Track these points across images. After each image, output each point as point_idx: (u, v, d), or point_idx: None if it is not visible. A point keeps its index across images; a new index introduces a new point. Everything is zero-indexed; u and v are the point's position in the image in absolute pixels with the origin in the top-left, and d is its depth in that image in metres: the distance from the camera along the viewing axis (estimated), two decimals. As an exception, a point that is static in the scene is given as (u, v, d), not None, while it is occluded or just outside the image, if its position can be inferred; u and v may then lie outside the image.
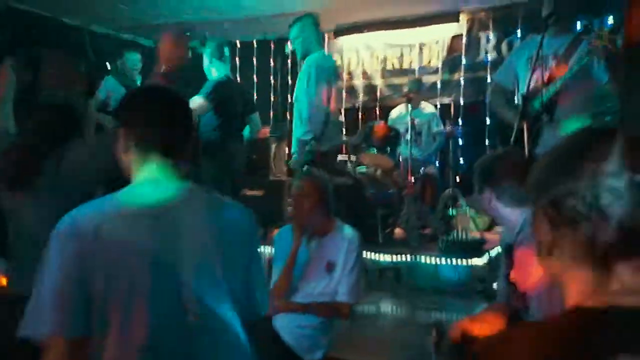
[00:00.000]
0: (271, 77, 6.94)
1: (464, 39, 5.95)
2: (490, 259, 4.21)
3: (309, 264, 2.51)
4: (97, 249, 1.18)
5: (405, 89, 5.61)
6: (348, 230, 2.56)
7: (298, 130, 3.95)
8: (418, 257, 4.30)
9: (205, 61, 4.23)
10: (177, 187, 1.32)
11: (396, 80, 6.33)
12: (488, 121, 5.76)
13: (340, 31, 6.52)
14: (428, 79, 6.11)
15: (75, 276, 1.17)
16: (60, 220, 1.22)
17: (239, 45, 6.94)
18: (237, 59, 6.85)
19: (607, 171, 0.73)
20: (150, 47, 6.98)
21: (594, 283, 0.76)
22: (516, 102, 3.19)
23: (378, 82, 6.45)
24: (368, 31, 6.33)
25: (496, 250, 4.15)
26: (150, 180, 1.31)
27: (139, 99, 1.40)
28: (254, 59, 6.97)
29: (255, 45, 6.98)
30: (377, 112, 6.41)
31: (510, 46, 5.73)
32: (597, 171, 0.74)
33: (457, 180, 5.53)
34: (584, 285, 0.77)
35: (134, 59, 4.85)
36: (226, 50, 4.23)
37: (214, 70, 4.18)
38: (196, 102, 3.97)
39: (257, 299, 1.39)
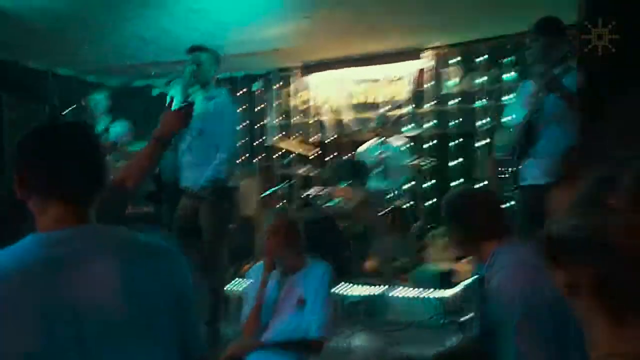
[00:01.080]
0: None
1: (429, 74, 6.11)
2: (462, 290, 4.23)
3: (280, 301, 2.50)
4: None
5: (373, 123, 5.68)
6: (319, 266, 2.56)
7: (206, 166, 3.69)
8: (390, 289, 4.30)
9: (175, 103, 4.19)
10: (85, 235, 1.16)
11: (364, 114, 6.43)
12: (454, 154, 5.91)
13: (307, 68, 6.64)
14: (395, 113, 6.23)
15: None
16: None
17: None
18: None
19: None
20: (116, 88, 6.97)
21: (609, 334, 0.67)
22: None
23: (346, 116, 6.55)
24: (335, 68, 6.45)
25: (467, 282, 4.18)
26: (51, 231, 1.15)
27: (33, 140, 1.21)
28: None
29: (223, 84, 7.02)
30: (346, 146, 6.49)
31: (473, 80, 5.92)
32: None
33: (427, 212, 5.59)
34: (600, 335, 0.69)
35: (98, 99, 4.82)
36: (190, 91, 4.21)
37: None
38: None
39: (190, 343, 1.25)
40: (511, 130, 3.27)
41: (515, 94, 3.54)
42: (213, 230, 3.65)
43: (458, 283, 4.32)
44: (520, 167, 3.16)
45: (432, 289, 4.15)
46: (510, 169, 3.17)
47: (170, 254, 1.25)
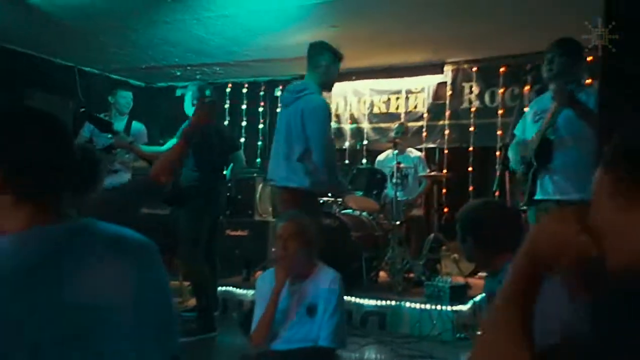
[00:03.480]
0: (260, 119, 7.01)
1: (449, 88, 6.11)
2: (475, 305, 4.19)
3: (290, 308, 2.46)
4: None
5: (392, 133, 5.70)
6: (329, 273, 2.52)
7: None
8: (402, 302, 4.27)
9: (187, 104, 4.21)
10: (54, 233, 1.03)
11: (383, 125, 6.44)
12: (471, 167, 5.90)
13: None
14: (413, 124, 6.23)
15: None
16: None
17: (229, 87, 7.04)
18: (227, 101, 6.95)
19: None
20: (140, 87, 7.08)
21: None
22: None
23: (365, 125, 6.56)
24: (356, 79, 6.48)
25: (480, 296, 4.15)
26: (24, 230, 1.02)
27: (8, 129, 1.06)
28: (244, 101, 7.06)
29: (245, 88, 7.08)
30: (364, 155, 6.50)
31: (492, 96, 5.90)
32: None
33: (442, 224, 5.56)
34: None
35: (126, 97, 4.87)
36: (207, 93, 4.23)
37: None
38: (173, 143, 3.96)
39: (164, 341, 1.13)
40: (522, 145, 3.26)
41: (528, 110, 3.51)
42: None
43: (471, 297, 4.29)
44: (535, 182, 3.14)
45: (445, 303, 4.12)
46: (525, 184, 3.14)
47: (149, 247, 1.13)
